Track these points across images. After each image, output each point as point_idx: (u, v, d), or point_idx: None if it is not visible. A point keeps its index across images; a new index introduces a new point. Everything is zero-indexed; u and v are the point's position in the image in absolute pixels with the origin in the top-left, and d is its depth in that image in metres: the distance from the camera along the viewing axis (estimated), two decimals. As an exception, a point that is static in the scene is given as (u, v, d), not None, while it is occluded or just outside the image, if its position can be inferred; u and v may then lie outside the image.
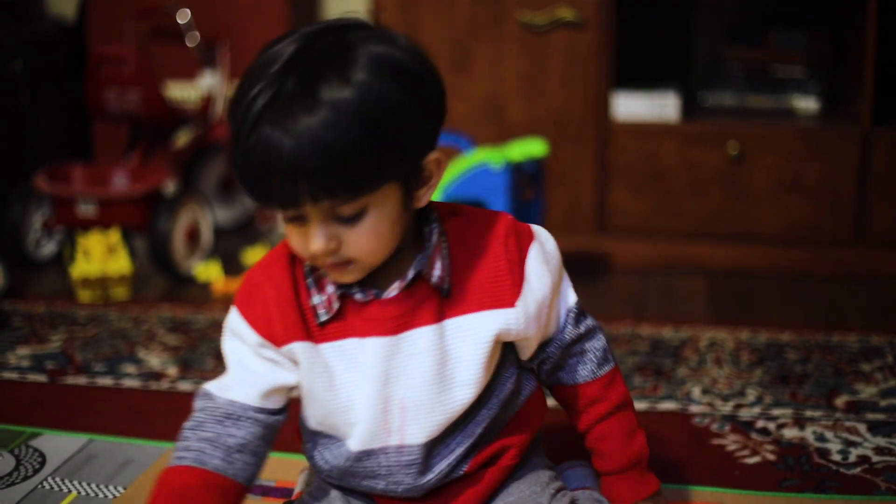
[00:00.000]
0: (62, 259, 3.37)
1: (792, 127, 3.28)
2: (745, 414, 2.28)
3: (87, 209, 3.25)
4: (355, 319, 1.52)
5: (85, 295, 3.11)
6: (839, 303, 3.04)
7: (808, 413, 2.27)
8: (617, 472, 1.68)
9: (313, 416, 1.59)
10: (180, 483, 1.51)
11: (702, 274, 3.25)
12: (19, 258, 3.37)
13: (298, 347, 1.52)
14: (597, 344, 1.68)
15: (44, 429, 2.25)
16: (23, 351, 2.73)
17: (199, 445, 1.52)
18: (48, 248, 3.48)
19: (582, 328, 1.66)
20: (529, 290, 1.54)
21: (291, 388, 1.57)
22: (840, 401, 2.34)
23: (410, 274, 1.50)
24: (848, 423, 2.22)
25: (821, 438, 2.15)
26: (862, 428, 2.20)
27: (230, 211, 3.80)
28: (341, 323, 1.52)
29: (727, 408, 2.31)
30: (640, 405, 2.31)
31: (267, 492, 1.96)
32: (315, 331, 1.52)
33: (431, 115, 1.44)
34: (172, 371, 2.57)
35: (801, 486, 1.96)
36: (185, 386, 2.49)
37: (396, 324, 1.51)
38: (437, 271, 1.52)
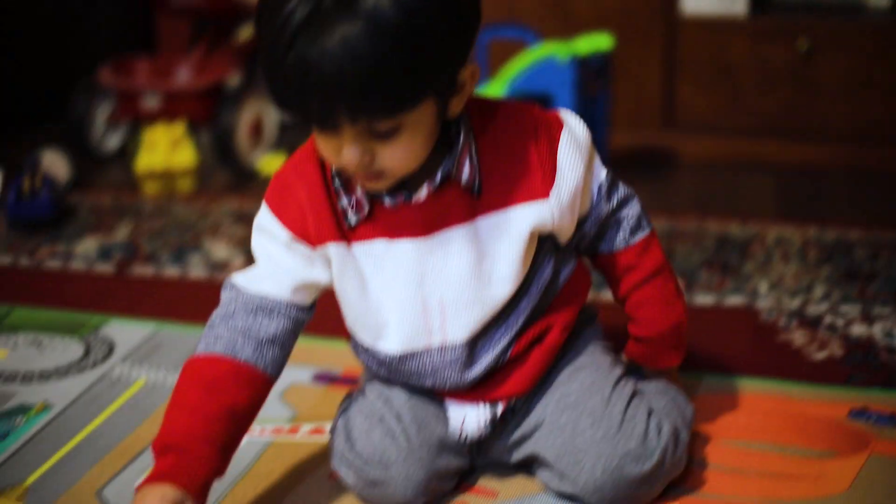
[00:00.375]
0: (127, 153, 3.38)
1: (863, 23, 3.21)
2: (812, 310, 2.26)
3: (151, 102, 3.25)
4: (385, 222, 1.51)
5: (150, 187, 3.12)
6: (909, 201, 3.00)
7: (877, 310, 2.25)
8: (653, 338, 1.69)
9: (349, 318, 1.61)
10: (211, 372, 1.51)
11: (769, 171, 3.21)
12: (84, 152, 3.38)
13: (332, 248, 1.52)
14: (630, 211, 1.64)
15: (112, 317, 2.27)
16: (90, 242, 2.75)
17: (230, 335, 1.53)
18: (113, 141, 3.49)
19: (614, 201, 1.62)
20: (562, 179, 1.52)
21: (322, 287, 1.57)
22: (909, 298, 2.32)
23: (439, 176, 1.48)
24: (917, 321, 2.20)
25: (889, 335, 2.13)
26: (931, 325, 2.18)
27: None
28: (371, 225, 1.51)
29: (794, 304, 2.29)
30: (706, 300, 2.30)
31: (333, 380, 1.97)
32: (347, 232, 1.52)
33: (469, 27, 1.41)
34: (238, 262, 2.58)
35: (868, 382, 1.95)
36: (250, 277, 2.50)
37: (427, 226, 1.50)
38: (466, 171, 1.49)
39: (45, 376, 2.03)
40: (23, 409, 1.91)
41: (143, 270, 2.56)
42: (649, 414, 1.59)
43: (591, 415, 1.57)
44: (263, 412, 1.85)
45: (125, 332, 2.20)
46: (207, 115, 3.24)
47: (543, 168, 1.52)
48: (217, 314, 1.56)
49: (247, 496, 1.64)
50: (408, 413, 1.60)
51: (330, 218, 1.51)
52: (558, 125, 1.55)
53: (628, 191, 1.66)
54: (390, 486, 1.57)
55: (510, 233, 1.51)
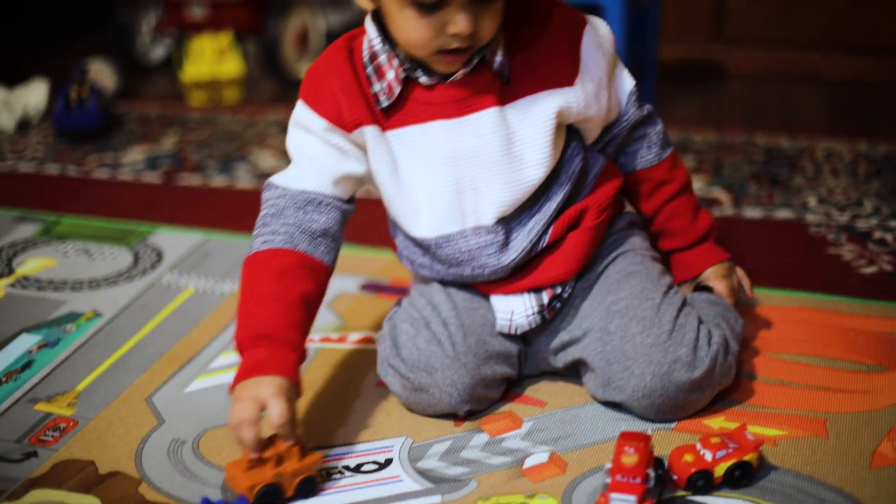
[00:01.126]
0: (172, 62, 3.37)
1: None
2: (861, 224, 2.24)
3: (197, 12, 3.23)
4: (417, 106, 1.55)
5: (196, 97, 3.12)
6: (961, 116, 2.96)
7: (927, 225, 2.23)
8: (689, 246, 1.75)
9: (387, 205, 1.64)
10: (278, 263, 1.53)
11: (820, 84, 3.17)
12: (130, 62, 3.38)
13: (367, 131, 1.55)
14: (657, 128, 1.72)
15: (160, 226, 2.28)
16: (137, 152, 2.75)
17: (285, 230, 1.55)
18: (159, 51, 3.49)
19: (644, 111, 1.69)
20: (586, 71, 1.57)
21: (359, 179, 1.60)
22: (960, 213, 2.29)
23: (475, 59, 1.52)
24: (968, 236, 2.18)
25: (940, 250, 2.12)
26: (982, 240, 2.16)
27: (341, 15, 3.76)
28: (403, 111, 1.55)
29: (844, 218, 2.27)
30: (754, 213, 2.28)
31: (381, 289, 1.98)
32: (380, 117, 1.55)
33: None
34: (285, 172, 2.58)
35: (918, 296, 1.94)
36: (297, 187, 2.50)
37: (460, 107, 1.54)
38: (498, 58, 1.53)
39: (94, 284, 2.04)
40: (73, 317, 1.93)
41: (190, 180, 2.57)
42: (700, 322, 1.59)
43: (641, 321, 1.57)
44: (312, 321, 1.86)
45: (173, 241, 2.21)
46: (254, 24, 3.23)
47: (569, 59, 1.56)
48: (266, 214, 1.58)
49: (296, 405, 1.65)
50: (454, 320, 1.61)
51: (363, 102, 1.54)
52: (583, 22, 1.59)
53: (652, 107, 1.72)
54: (435, 393, 1.58)
55: (537, 116, 1.55)
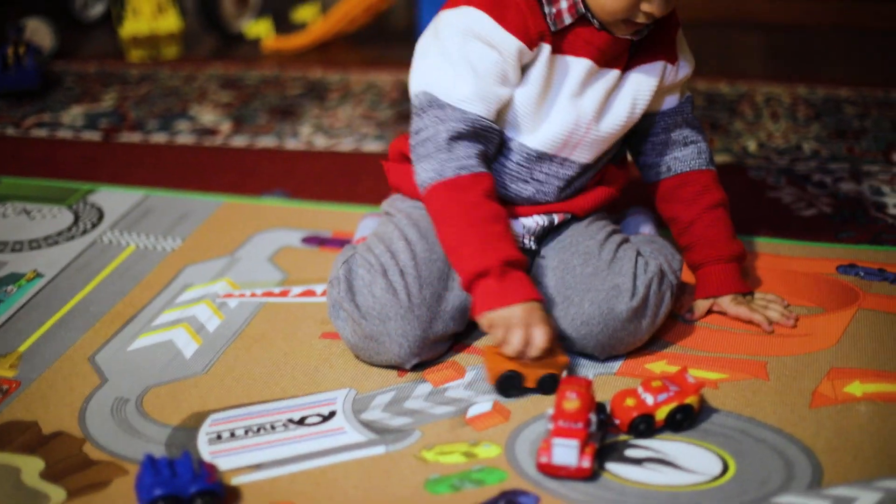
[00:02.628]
0: (111, 19, 3.34)
1: None
2: (801, 167, 2.26)
3: (134, -33, 3.20)
4: (577, 39, 1.59)
5: (135, 54, 3.10)
6: (899, 58, 2.98)
7: (865, 167, 2.25)
8: (725, 259, 1.72)
9: (511, 108, 1.63)
10: (476, 187, 1.56)
11: (759, 28, 3.18)
12: (68, 20, 3.34)
13: (545, 48, 1.58)
14: (705, 144, 1.78)
15: (100, 185, 2.27)
16: (76, 110, 2.73)
17: (465, 152, 1.56)
18: (96, 8, 3.45)
19: (692, 115, 1.76)
20: (684, 56, 1.71)
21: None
22: (898, 155, 2.31)
23: (645, 32, 1.61)
24: (906, 177, 2.20)
25: (877, 192, 2.13)
26: (920, 181, 2.18)
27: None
28: (565, 40, 1.59)
29: (783, 162, 2.29)
30: (695, 159, 2.29)
31: (323, 242, 1.98)
32: (550, 38, 1.58)
33: None
34: (225, 127, 2.57)
35: (857, 238, 1.96)
36: (238, 141, 2.49)
37: (604, 57, 1.60)
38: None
39: (34, 245, 2.03)
40: (14, 278, 1.91)
41: (130, 138, 2.55)
42: (638, 255, 1.63)
43: (583, 255, 1.63)
44: (253, 275, 1.86)
45: (114, 199, 2.20)
46: (191, -21, 3.20)
47: (672, 41, 1.69)
48: (441, 135, 1.57)
49: (239, 358, 1.65)
50: (412, 270, 1.61)
51: (542, 19, 1.57)
52: (676, 17, 1.71)
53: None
54: (385, 342, 1.58)
55: (647, 83, 1.65)
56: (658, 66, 1.66)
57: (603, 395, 1.50)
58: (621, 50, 1.62)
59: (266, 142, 2.49)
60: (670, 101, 1.73)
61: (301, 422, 1.51)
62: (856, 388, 1.54)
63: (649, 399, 1.45)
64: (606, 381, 1.57)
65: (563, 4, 1.57)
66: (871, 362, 1.60)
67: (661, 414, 1.45)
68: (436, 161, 1.56)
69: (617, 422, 1.45)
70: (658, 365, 1.61)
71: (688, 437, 1.45)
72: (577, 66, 1.60)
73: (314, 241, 1.98)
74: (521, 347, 1.50)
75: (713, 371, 1.59)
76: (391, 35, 3.34)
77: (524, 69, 1.59)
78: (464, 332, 1.67)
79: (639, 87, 1.65)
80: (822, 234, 1.98)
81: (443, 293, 1.61)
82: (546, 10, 1.57)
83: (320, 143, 2.47)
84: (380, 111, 2.67)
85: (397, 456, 1.43)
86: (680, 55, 1.70)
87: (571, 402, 1.37)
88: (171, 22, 3.09)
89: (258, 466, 1.42)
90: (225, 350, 1.68)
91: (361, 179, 2.23)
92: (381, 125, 2.57)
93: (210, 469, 1.36)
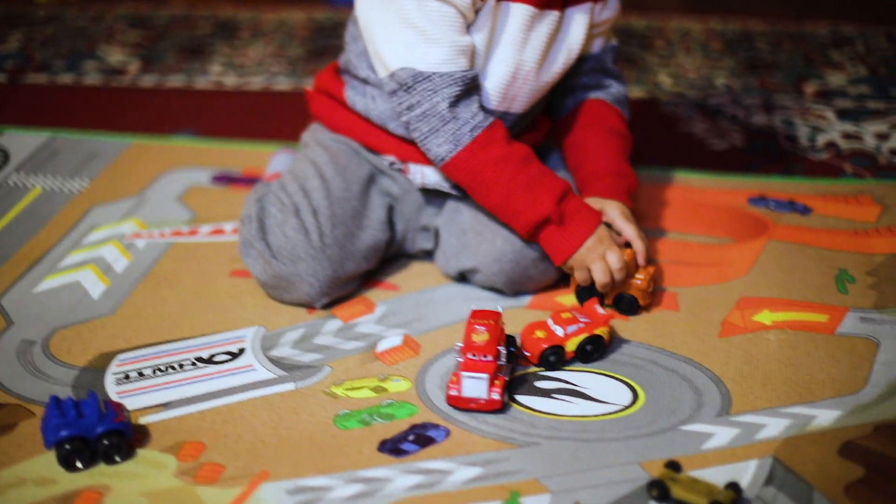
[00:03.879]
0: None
1: None
2: (714, 101, 2.26)
3: None
4: None
5: (42, -6, 3.05)
6: (811, -8, 2.99)
7: (777, 99, 2.26)
8: (616, 173, 1.69)
9: None
10: (500, 134, 1.56)
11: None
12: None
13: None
14: (623, 91, 1.77)
15: (5, 126, 2.22)
16: (-20, 51, 2.68)
17: (469, 117, 1.55)
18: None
19: (613, 65, 1.75)
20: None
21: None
22: (809, 88, 2.32)
23: None
24: (816, 110, 2.21)
25: (788, 123, 2.14)
26: (830, 114, 2.19)
27: None
28: None
29: (696, 95, 2.29)
30: (608, 94, 2.29)
31: (232, 181, 1.95)
32: None
33: None
34: (134, 67, 2.53)
35: (768, 170, 1.97)
36: (147, 81, 2.45)
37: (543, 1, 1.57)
38: None
39: (-62, 187, 1.99)
40: (-84, 221, 1.87)
41: (36, 79, 2.50)
42: None
43: None
44: (162, 215, 1.84)
45: (19, 141, 2.15)
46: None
47: None
48: (441, 106, 1.54)
49: (147, 298, 1.63)
50: (325, 210, 1.59)
51: None
52: None
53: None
54: (296, 282, 1.57)
55: (581, 26, 1.63)
56: (587, 6, 1.63)
57: (513, 327, 1.50)
58: None
59: (175, 81, 2.46)
60: (596, 45, 1.71)
61: (209, 360, 1.49)
62: (765, 317, 1.55)
63: (559, 331, 1.45)
64: (516, 313, 1.57)
65: None
66: (781, 292, 1.61)
67: (571, 345, 1.45)
68: (447, 133, 1.55)
69: (527, 354, 1.45)
70: (568, 298, 1.60)
71: (598, 367, 1.45)
72: (518, 11, 1.57)
73: (223, 179, 1.96)
74: (608, 279, 1.53)
75: (624, 303, 1.59)
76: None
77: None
78: (375, 269, 1.66)
79: (574, 29, 1.63)
80: (733, 166, 1.99)
81: (356, 232, 1.60)
82: None
83: (230, 81, 2.44)
84: (291, 49, 2.64)
85: (307, 392, 1.42)
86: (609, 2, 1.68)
87: (480, 334, 1.37)
88: (77, -39, 3.04)
89: (166, 405, 1.41)
90: (133, 291, 1.65)
91: (272, 118, 2.21)
92: (292, 63, 2.54)
93: (117, 409, 1.34)
